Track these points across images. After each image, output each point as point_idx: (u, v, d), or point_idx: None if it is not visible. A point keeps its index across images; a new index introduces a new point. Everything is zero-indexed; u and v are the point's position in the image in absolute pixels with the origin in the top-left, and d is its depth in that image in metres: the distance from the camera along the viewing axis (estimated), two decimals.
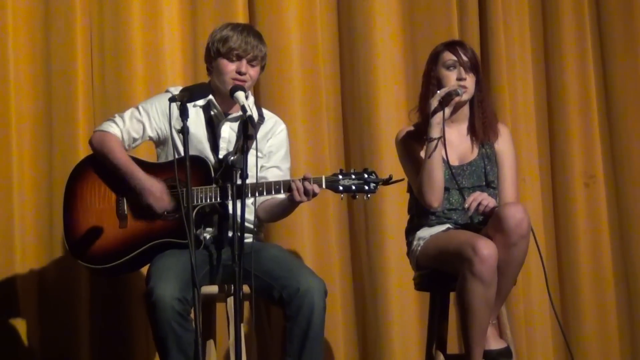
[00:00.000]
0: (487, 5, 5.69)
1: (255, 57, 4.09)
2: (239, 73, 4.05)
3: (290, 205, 4.02)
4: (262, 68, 4.17)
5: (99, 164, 4.11)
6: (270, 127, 4.25)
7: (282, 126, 4.29)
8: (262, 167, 4.17)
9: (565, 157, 5.82)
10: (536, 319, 5.60)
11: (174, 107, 3.78)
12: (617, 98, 5.93)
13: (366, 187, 3.89)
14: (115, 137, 4.11)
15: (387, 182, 3.90)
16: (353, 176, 3.91)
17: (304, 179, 3.89)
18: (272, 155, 4.23)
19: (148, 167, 4.08)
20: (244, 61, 4.07)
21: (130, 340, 4.87)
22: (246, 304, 4.30)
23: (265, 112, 4.29)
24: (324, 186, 3.91)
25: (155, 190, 3.99)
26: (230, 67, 4.07)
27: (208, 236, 4.06)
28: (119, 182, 4.06)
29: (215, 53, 4.10)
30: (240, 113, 3.93)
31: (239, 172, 3.79)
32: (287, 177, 4.19)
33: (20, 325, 4.72)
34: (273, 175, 4.17)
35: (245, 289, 3.84)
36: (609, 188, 5.88)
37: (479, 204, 4.11)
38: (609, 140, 5.92)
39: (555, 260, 5.78)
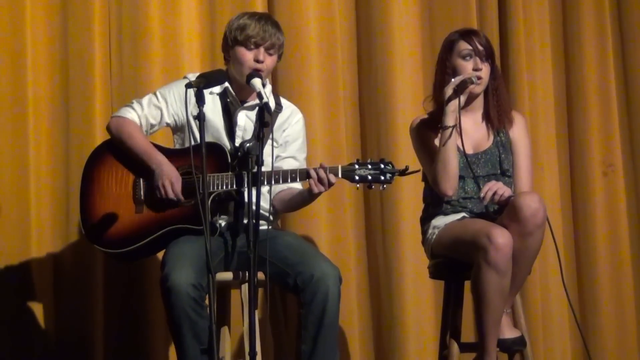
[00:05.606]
0: None
1: (273, 45, 4.07)
2: (257, 61, 4.04)
3: (309, 198, 4.02)
4: (279, 57, 4.15)
5: (116, 149, 4.12)
6: (286, 116, 4.23)
7: (298, 116, 4.27)
8: (277, 157, 4.16)
9: (584, 146, 5.81)
10: (553, 309, 5.60)
11: (191, 93, 3.75)
12: (636, 87, 5.92)
13: (382, 178, 3.89)
14: (133, 122, 4.11)
15: (404, 172, 3.89)
16: (369, 166, 3.90)
17: (320, 168, 3.89)
18: (288, 146, 4.21)
19: (165, 153, 4.08)
20: (262, 49, 4.05)
21: (145, 326, 4.87)
22: (260, 291, 4.30)
23: (283, 101, 4.27)
24: (340, 175, 3.90)
25: (172, 175, 3.98)
26: (248, 56, 4.04)
27: (223, 223, 4.07)
28: (137, 166, 4.07)
29: (232, 41, 4.08)
30: (256, 102, 3.92)
31: (255, 158, 3.79)
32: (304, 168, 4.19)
33: (36, 309, 4.73)
34: (289, 165, 4.16)
35: (260, 275, 3.85)
36: (627, 177, 5.87)
37: (494, 193, 4.10)
38: (628, 129, 5.92)
39: (573, 250, 5.78)
